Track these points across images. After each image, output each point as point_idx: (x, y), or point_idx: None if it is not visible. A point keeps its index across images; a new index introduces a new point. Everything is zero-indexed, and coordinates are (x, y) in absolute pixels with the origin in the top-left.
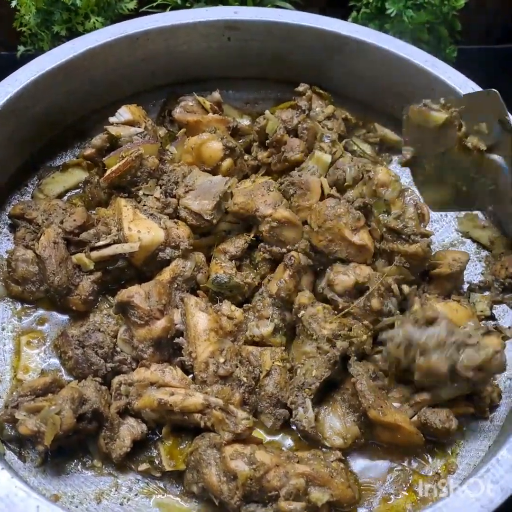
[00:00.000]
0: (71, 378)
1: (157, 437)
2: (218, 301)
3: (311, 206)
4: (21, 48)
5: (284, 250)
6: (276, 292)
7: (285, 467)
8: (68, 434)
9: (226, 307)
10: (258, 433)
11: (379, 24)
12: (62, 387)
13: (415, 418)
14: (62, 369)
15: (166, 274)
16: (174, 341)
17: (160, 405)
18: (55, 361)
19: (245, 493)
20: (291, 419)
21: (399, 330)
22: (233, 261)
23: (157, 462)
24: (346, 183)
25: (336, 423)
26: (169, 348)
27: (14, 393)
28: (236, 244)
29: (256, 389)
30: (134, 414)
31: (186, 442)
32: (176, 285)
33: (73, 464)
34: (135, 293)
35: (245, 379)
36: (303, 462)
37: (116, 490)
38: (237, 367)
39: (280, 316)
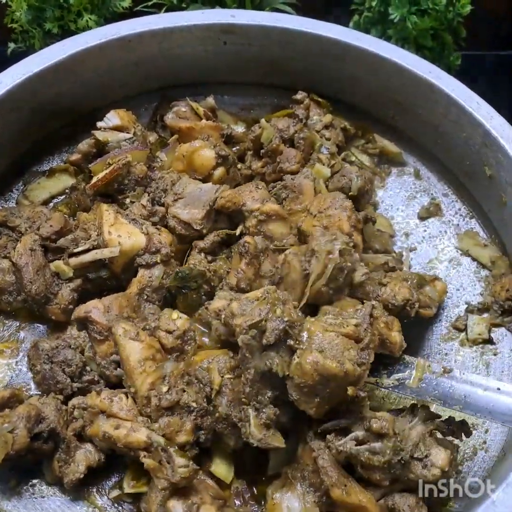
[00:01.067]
0: (37, 393)
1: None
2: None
3: (303, 209)
4: (12, 45)
5: (271, 246)
6: (236, 283)
7: None
8: (21, 454)
9: (164, 320)
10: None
11: (382, 30)
12: (21, 402)
13: (381, 501)
14: (31, 383)
15: (133, 287)
16: (114, 373)
17: (105, 438)
18: (25, 375)
19: None
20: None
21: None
22: (203, 254)
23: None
24: (350, 193)
25: (294, 504)
26: None
27: None
28: (207, 238)
29: (211, 408)
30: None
31: None
32: (145, 297)
33: (50, 487)
34: (93, 308)
35: (194, 404)
36: None
37: None
38: (184, 391)
39: None
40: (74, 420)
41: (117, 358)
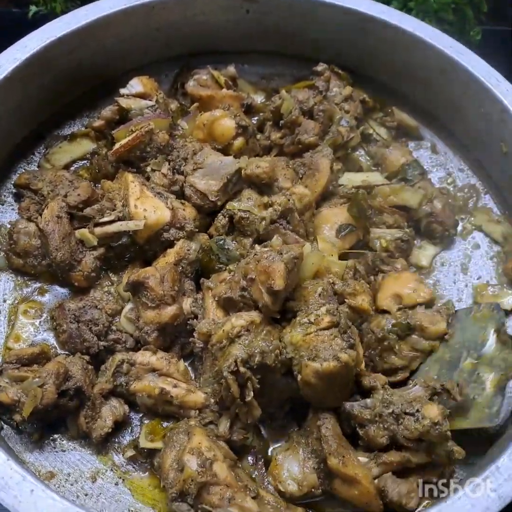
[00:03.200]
0: (62, 352)
1: (139, 419)
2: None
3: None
4: (33, 8)
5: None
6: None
7: (235, 493)
8: (48, 409)
9: None
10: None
11: (403, 2)
12: (49, 360)
13: (377, 481)
14: (55, 343)
15: (170, 257)
16: (151, 338)
17: (161, 394)
18: (48, 335)
19: (183, 490)
20: None
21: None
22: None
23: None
24: None
25: (294, 468)
26: (172, 335)
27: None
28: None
29: None
30: (122, 394)
31: (172, 421)
32: (180, 268)
33: (70, 441)
34: (151, 275)
35: None
36: (258, 501)
37: (111, 470)
38: None
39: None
40: (117, 374)
41: (159, 327)
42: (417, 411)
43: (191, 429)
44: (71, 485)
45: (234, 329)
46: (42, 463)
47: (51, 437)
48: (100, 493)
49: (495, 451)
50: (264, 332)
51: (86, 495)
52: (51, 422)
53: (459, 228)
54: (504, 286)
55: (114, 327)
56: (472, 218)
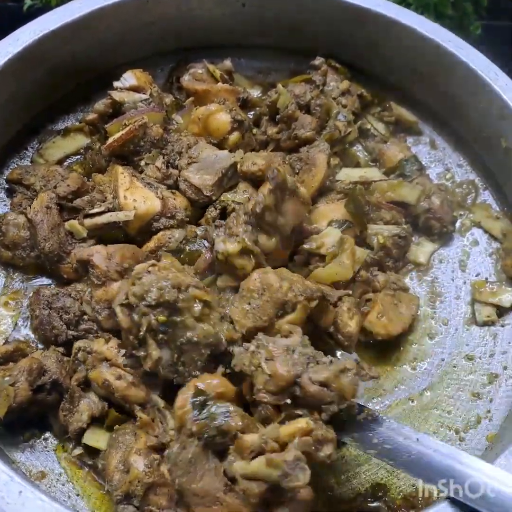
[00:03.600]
0: (41, 347)
1: None
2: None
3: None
4: (28, 1)
5: None
6: (252, 207)
7: None
8: (23, 406)
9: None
10: None
11: None
12: (25, 356)
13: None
14: (33, 336)
15: (151, 243)
16: (103, 316)
17: (104, 386)
18: (26, 329)
19: (128, 491)
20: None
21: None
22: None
23: None
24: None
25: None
26: None
27: None
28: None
29: None
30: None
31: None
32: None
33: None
34: (96, 252)
35: None
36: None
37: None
38: None
39: (252, 237)
40: (75, 362)
41: (109, 305)
42: (330, 362)
43: (137, 429)
44: (63, 485)
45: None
46: (33, 462)
47: (43, 436)
48: (91, 493)
49: None
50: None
51: (77, 495)
52: (35, 418)
53: (458, 224)
54: (502, 283)
55: (86, 317)
56: (471, 215)
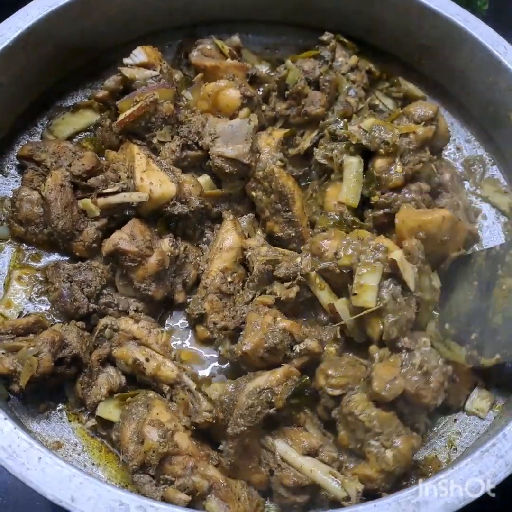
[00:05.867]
0: (58, 321)
1: None
2: None
3: None
4: None
5: None
6: None
7: (198, 462)
8: (45, 377)
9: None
10: None
11: None
12: (45, 329)
13: None
14: (52, 313)
15: None
16: (152, 290)
17: (134, 365)
18: (41, 305)
19: (144, 462)
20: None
21: None
22: None
23: None
24: None
25: None
26: (169, 276)
27: None
28: None
29: None
30: (112, 361)
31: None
32: None
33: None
34: (119, 239)
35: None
36: (220, 470)
37: None
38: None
39: None
40: (100, 338)
41: (154, 278)
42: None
43: (150, 400)
44: (79, 454)
45: None
46: (49, 433)
47: (58, 408)
48: (107, 462)
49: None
50: None
51: (93, 464)
52: (51, 390)
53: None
54: None
55: (105, 291)
56: (479, 190)
